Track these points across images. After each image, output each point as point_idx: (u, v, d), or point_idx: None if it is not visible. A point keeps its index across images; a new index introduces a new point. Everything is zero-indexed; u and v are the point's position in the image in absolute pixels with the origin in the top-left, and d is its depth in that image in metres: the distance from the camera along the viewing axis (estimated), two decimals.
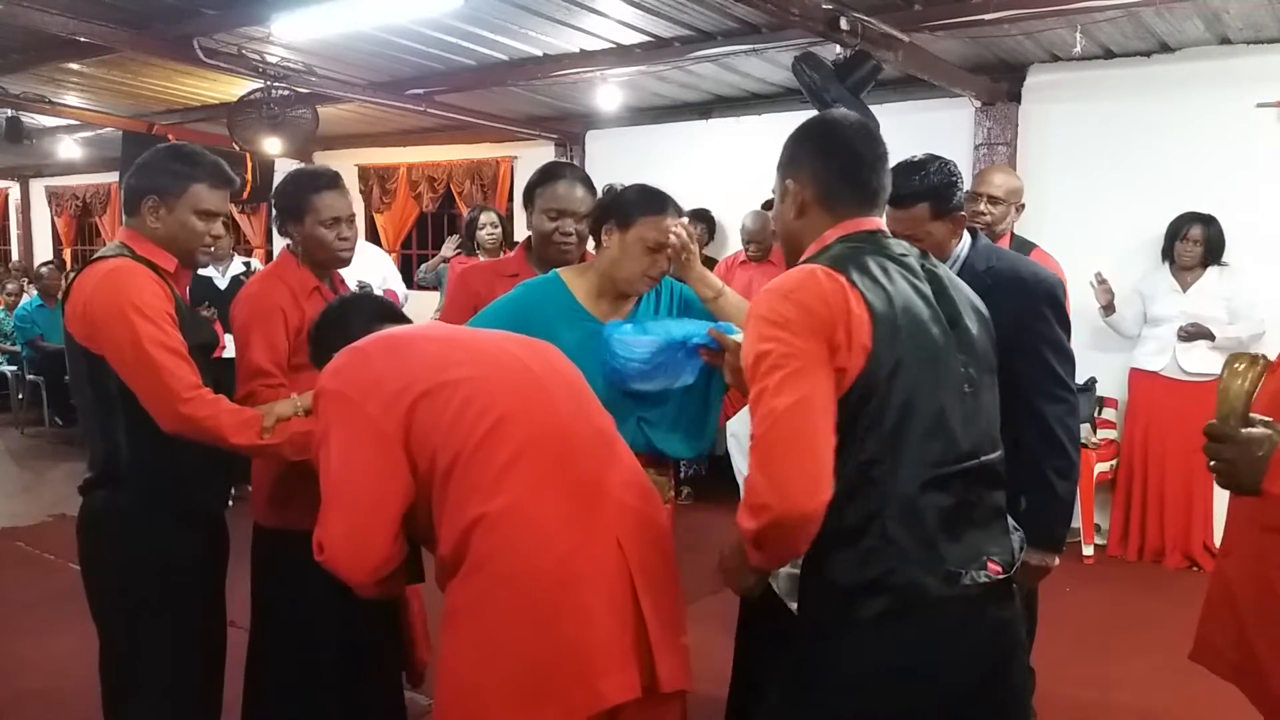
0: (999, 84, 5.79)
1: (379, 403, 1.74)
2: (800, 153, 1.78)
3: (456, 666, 1.69)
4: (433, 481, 1.73)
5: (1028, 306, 2.47)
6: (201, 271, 5.73)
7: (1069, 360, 2.51)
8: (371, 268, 5.36)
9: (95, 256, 2.24)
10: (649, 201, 2.34)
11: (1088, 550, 5.22)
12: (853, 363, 1.55)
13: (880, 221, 1.79)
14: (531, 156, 7.84)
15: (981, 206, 3.62)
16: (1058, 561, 2.46)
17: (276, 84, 5.92)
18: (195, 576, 2.28)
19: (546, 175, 2.77)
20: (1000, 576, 1.63)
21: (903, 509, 1.57)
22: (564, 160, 2.86)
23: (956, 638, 1.60)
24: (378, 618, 2.63)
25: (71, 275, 2.26)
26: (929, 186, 2.46)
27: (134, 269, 2.19)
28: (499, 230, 5.74)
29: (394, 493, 1.73)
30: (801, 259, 1.72)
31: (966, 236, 2.60)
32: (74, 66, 6.26)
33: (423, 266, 6.67)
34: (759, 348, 1.55)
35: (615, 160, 7.69)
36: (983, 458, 1.67)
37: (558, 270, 2.47)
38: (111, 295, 2.12)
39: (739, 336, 2.08)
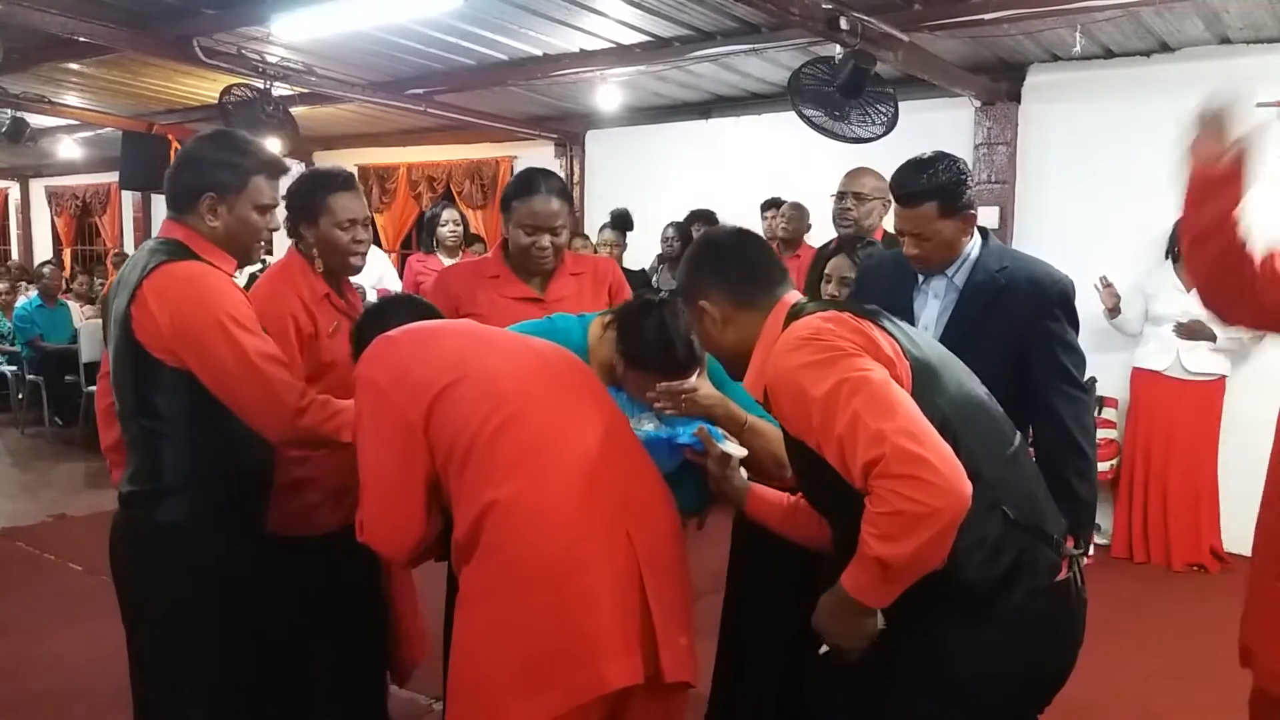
0: (999, 84, 5.79)
1: (405, 391, 1.84)
2: (697, 276, 1.89)
3: (468, 650, 1.73)
4: (450, 468, 1.80)
5: (1041, 307, 2.47)
6: None
7: (1080, 360, 2.52)
8: (367, 268, 5.33)
9: (158, 260, 2.06)
10: (658, 358, 2.10)
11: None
12: (904, 372, 1.64)
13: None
14: (531, 156, 7.85)
15: (849, 204, 3.86)
16: (1085, 563, 2.48)
17: (256, 85, 5.90)
18: (243, 589, 2.18)
19: (522, 188, 2.70)
20: (1075, 550, 1.76)
21: (1008, 488, 1.65)
22: (540, 169, 2.77)
23: (1077, 609, 1.75)
24: (365, 621, 2.66)
25: (127, 277, 2.10)
26: (937, 185, 2.45)
27: (214, 275, 2.09)
28: (460, 228, 5.74)
29: (418, 476, 1.83)
30: (756, 352, 1.79)
31: (977, 236, 2.59)
32: (74, 66, 6.28)
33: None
34: (823, 387, 1.57)
35: (615, 160, 7.70)
36: (1019, 436, 1.78)
37: (591, 324, 2.31)
38: (204, 308, 2.02)
39: (727, 446, 2.07)
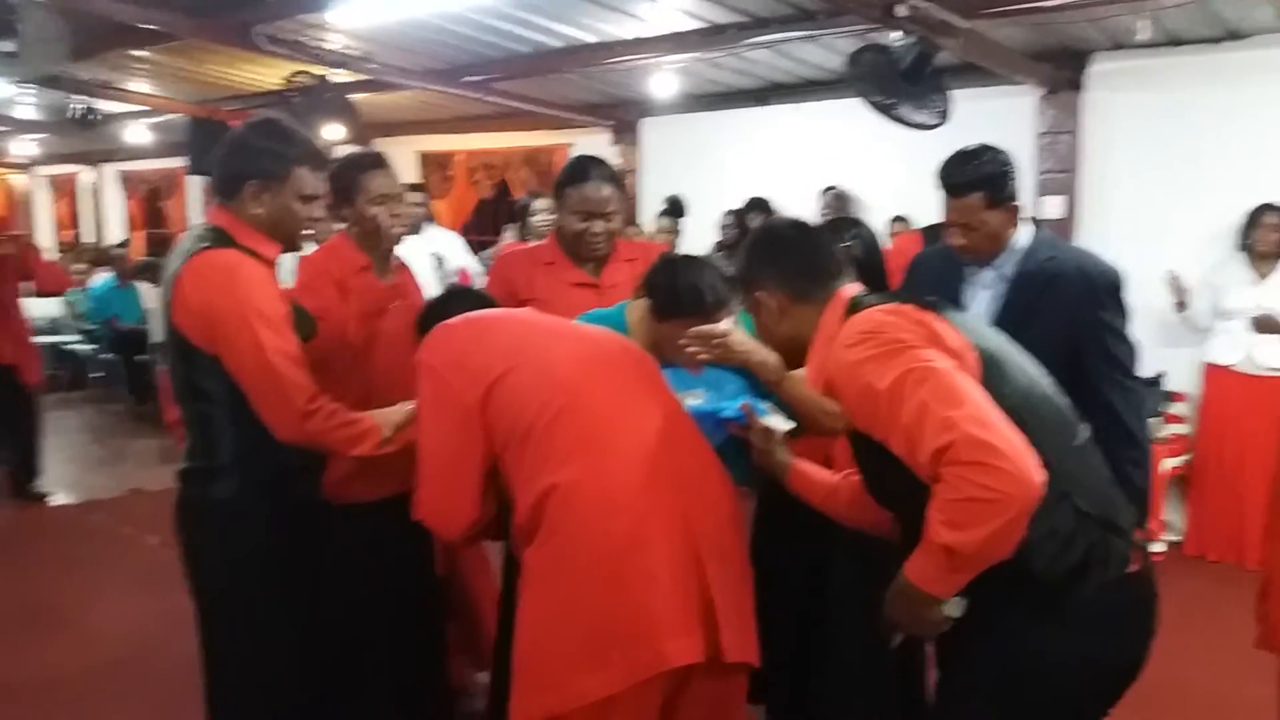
0: (1062, 72, 5.66)
1: (463, 377, 1.89)
2: (755, 266, 1.90)
3: (532, 628, 1.78)
4: (508, 453, 1.85)
5: (1090, 298, 2.48)
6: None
7: (1131, 350, 2.52)
8: (445, 246, 5.53)
9: (200, 246, 2.10)
10: (687, 301, 2.17)
11: (1158, 547, 5.09)
12: (971, 363, 1.63)
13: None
14: (587, 144, 7.85)
15: None
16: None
17: (317, 72, 5.98)
18: (297, 561, 2.24)
19: (574, 175, 2.73)
20: (1144, 542, 1.73)
21: (1077, 480, 1.63)
22: (591, 156, 2.81)
23: (1149, 601, 1.72)
24: (422, 588, 2.72)
25: (170, 263, 2.16)
26: (983, 175, 2.49)
27: (250, 266, 2.10)
28: (553, 217, 5.73)
29: (474, 459, 1.88)
30: (815, 346, 1.79)
31: (1026, 227, 2.60)
32: (141, 54, 6.42)
33: (481, 254, 6.71)
34: (888, 379, 1.56)
35: (671, 148, 7.69)
36: (1085, 427, 1.76)
37: (626, 308, 2.37)
38: (234, 298, 2.05)
39: (771, 420, 2.08)
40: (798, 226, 1.96)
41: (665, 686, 1.73)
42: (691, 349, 2.13)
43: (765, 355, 2.16)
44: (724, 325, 2.15)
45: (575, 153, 8.01)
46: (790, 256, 1.87)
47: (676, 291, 2.18)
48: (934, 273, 2.73)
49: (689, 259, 2.25)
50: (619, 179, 2.80)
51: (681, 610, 1.71)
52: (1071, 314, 2.45)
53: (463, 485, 1.90)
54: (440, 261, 5.41)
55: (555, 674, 1.70)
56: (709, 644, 1.73)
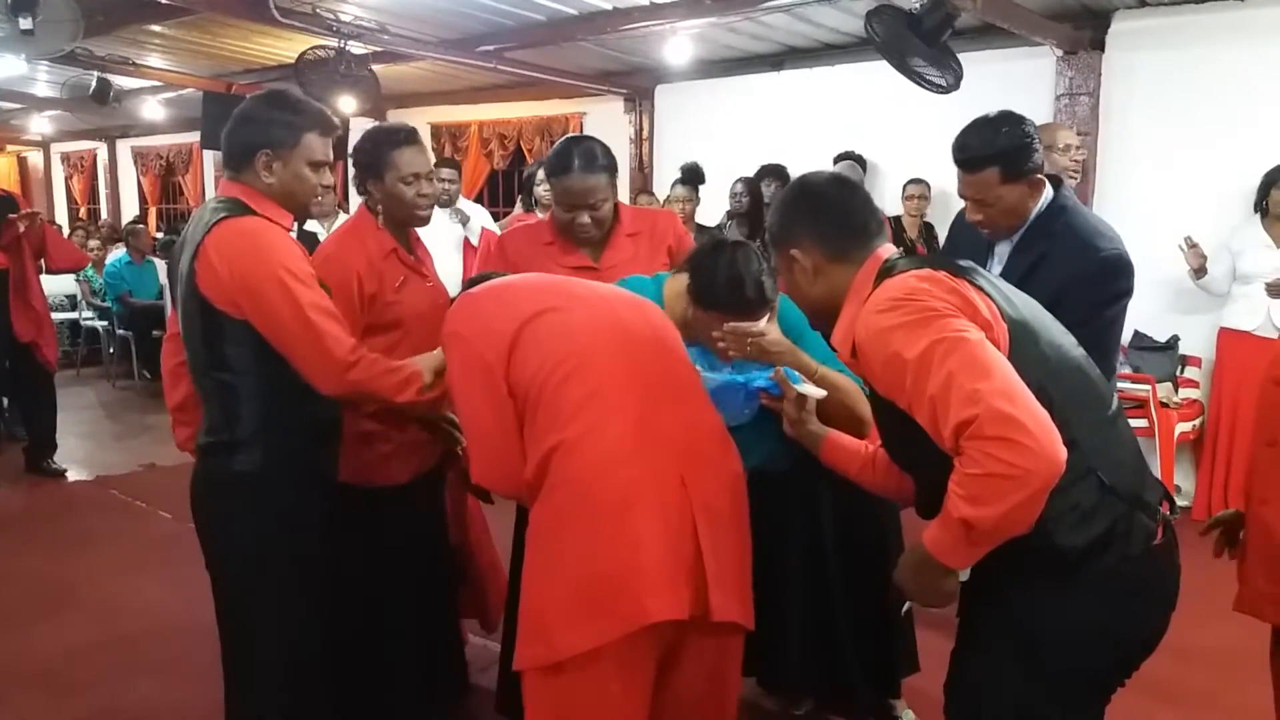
0: (1082, 31, 5.59)
1: (486, 340, 1.93)
2: (791, 223, 1.84)
3: (531, 581, 1.83)
4: (525, 411, 1.87)
5: (1073, 276, 2.37)
6: (308, 226, 5.73)
7: (1107, 342, 2.40)
8: (472, 214, 5.71)
9: (219, 216, 2.11)
10: (727, 296, 2.13)
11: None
12: (1001, 334, 1.61)
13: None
14: (601, 113, 7.83)
15: (1080, 155, 3.67)
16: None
17: (334, 45, 5.96)
18: (318, 537, 2.25)
19: (557, 166, 2.63)
20: (1169, 515, 1.72)
21: (1105, 454, 1.62)
22: (578, 140, 2.66)
23: (1170, 573, 1.72)
24: (437, 572, 2.74)
25: (191, 235, 2.17)
26: (998, 150, 2.38)
27: (272, 230, 2.13)
28: None
29: (509, 418, 1.89)
30: (846, 307, 1.76)
31: (1048, 192, 2.50)
32: (155, 28, 6.42)
33: (496, 225, 6.71)
34: (917, 348, 1.54)
35: (685, 115, 7.64)
36: (1116, 399, 1.75)
37: (665, 281, 2.34)
38: (262, 260, 2.07)
39: (804, 388, 2.05)
40: (837, 182, 1.89)
41: (658, 642, 1.76)
42: (723, 344, 2.08)
43: (799, 357, 2.12)
44: (760, 325, 2.09)
45: (589, 122, 8.05)
46: (829, 214, 1.81)
47: (717, 283, 2.12)
48: (970, 238, 2.66)
49: (739, 247, 2.17)
50: (609, 161, 2.67)
51: (668, 568, 1.73)
52: (1055, 292, 2.33)
53: (507, 444, 1.90)
54: (465, 222, 5.57)
55: (548, 626, 1.74)
56: (698, 603, 1.75)
